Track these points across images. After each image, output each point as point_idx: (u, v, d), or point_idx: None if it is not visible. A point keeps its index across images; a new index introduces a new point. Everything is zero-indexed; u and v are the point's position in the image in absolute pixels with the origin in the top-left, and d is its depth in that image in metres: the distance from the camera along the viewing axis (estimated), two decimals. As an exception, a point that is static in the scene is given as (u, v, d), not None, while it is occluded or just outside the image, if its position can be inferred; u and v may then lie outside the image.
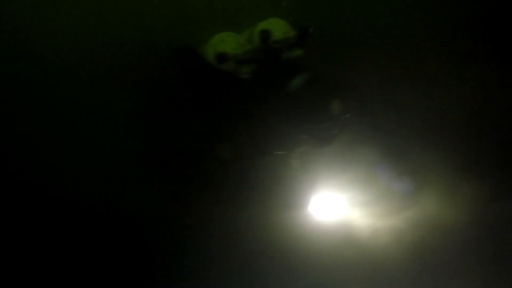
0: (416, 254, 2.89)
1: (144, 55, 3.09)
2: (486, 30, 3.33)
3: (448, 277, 2.83)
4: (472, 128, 3.14)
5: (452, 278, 2.82)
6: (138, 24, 3.11)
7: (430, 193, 3.00)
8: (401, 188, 2.96)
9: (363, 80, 3.02)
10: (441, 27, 3.34)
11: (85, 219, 2.88)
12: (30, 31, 3.00)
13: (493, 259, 2.82)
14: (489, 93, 3.17)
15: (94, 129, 3.00)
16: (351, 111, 2.60)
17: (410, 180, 2.97)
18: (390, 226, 2.99)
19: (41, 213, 2.89)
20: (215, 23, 2.97)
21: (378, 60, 3.22)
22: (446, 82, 3.24)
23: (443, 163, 2.99)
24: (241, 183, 2.95)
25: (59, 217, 2.89)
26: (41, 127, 2.98)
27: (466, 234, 2.86)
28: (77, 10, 3.09)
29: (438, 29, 3.33)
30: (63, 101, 3.01)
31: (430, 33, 3.34)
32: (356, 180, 3.00)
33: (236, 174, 2.95)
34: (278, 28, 2.77)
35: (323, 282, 2.86)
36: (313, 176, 3.01)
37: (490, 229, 2.87)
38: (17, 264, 2.79)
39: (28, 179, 2.87)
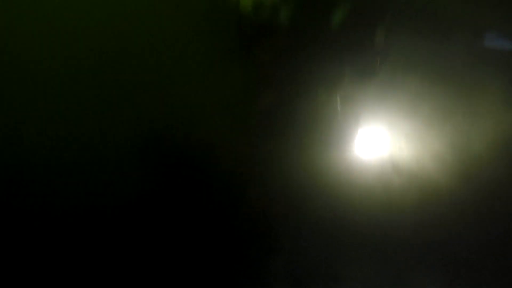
0: (465, 182, 2.95)
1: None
2: None
3: (497, 200, 2.90)
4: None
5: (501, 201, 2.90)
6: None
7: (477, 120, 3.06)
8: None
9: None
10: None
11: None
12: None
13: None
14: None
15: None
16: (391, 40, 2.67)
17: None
18: (437, 154, 3.05)
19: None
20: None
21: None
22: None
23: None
24: (290, 124, 3.01)
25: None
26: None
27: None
28: None
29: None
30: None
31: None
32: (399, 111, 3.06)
33: (283, 115, 3.00)
34: None
35: (373, 218, 2.92)
36: (357, 113, 3.08)
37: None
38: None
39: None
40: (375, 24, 2.63)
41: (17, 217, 2.76)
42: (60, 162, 2.86)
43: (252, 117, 3.01)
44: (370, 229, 2.82)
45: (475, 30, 3.02)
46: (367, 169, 3.07)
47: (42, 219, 2.77)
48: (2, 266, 2.69)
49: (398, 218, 2.88)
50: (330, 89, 2.96)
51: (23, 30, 2.93)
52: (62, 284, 2.71)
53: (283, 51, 2.90)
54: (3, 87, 2.90)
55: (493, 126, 3.00)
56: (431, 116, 3.04)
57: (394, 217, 2.89)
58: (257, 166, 2.99)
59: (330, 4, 2.72)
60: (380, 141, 3.10)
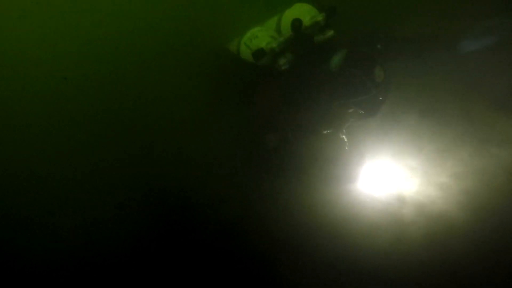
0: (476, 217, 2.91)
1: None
2: None
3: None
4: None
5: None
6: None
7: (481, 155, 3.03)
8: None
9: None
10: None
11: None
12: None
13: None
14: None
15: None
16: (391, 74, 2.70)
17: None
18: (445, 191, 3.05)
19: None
20: (239, 17, 3.05)
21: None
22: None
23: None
24: (295, 164, 3.09)
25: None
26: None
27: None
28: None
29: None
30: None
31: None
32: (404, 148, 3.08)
33: (289, 156, 3.08)
34: (305, 13, 2.78)
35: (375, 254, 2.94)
36: (362, 149, 3.12)
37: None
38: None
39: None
40: (374, 60, 2.66)
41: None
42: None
43: (255, 157, 3.11)
44: (377, 264, 2.87)
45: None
46: (373, 204, 3.12)
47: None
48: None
49: (407, 251, 2.92)
50: (333, 126, 3.01)
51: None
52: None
53: (284, 91, 2.97)
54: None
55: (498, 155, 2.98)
56: (435, 148, 3.05)
57: (402, 251, 2.93)
58: (261, 204, 3.10)
59: (327, 48, 2.76)
60: (385, 175, 3.14)
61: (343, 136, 3.11)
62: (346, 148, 3.12)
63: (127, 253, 3.08)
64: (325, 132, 3.01)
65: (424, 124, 3.06)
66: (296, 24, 2.68)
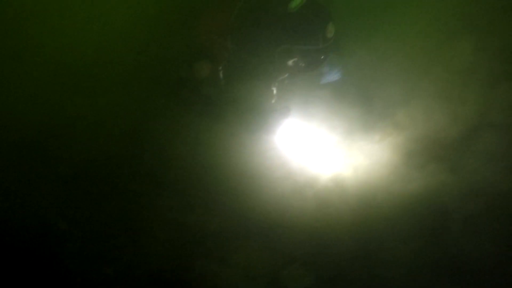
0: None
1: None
2: None
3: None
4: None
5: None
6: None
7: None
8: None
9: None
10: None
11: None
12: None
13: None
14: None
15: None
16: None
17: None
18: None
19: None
20: None
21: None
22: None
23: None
24: (219, 103, 2.94)
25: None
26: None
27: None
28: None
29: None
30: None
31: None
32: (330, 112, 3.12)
33: (215, 94, 2.92)
34: None
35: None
36: (288, 105, 3.09)
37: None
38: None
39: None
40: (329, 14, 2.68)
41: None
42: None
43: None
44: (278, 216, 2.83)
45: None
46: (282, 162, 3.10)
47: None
48: None
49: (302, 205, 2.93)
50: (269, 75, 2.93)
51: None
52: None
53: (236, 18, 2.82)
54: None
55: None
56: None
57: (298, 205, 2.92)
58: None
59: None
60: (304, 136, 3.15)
61: (274, 88, 3.05)
62: (273, 101, 3.07)
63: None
64: (261, 78, 2.91)
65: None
66: None
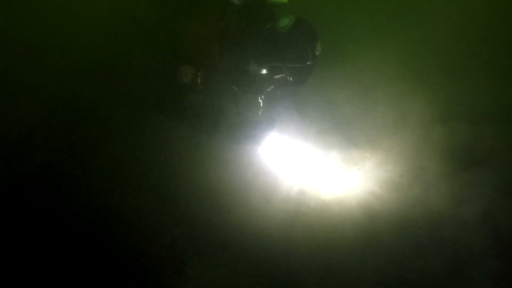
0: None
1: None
2: None
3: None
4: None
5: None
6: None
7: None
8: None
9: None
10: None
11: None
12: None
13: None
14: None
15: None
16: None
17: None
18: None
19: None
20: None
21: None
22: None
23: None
24: (203, 111, 2.96)
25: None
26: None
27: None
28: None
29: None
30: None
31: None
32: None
33: (200, 101, 2.95)
34: None
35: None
36: (273, 117, 3.11)
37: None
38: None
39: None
40: (317, 33, 2.71)
41: None
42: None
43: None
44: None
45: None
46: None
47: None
48: None
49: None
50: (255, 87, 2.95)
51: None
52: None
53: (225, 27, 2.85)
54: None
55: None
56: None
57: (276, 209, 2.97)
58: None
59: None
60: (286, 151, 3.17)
61: (260, 100, 3.08)
62: (259, 112, 3.09)
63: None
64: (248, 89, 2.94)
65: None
66: None
